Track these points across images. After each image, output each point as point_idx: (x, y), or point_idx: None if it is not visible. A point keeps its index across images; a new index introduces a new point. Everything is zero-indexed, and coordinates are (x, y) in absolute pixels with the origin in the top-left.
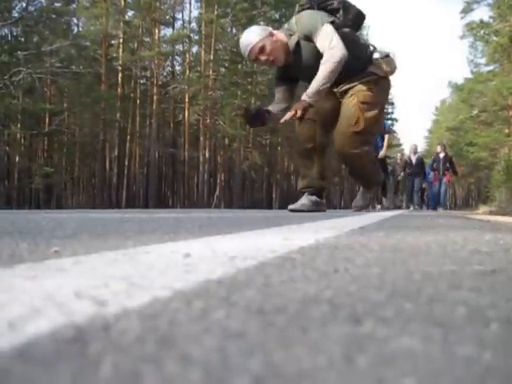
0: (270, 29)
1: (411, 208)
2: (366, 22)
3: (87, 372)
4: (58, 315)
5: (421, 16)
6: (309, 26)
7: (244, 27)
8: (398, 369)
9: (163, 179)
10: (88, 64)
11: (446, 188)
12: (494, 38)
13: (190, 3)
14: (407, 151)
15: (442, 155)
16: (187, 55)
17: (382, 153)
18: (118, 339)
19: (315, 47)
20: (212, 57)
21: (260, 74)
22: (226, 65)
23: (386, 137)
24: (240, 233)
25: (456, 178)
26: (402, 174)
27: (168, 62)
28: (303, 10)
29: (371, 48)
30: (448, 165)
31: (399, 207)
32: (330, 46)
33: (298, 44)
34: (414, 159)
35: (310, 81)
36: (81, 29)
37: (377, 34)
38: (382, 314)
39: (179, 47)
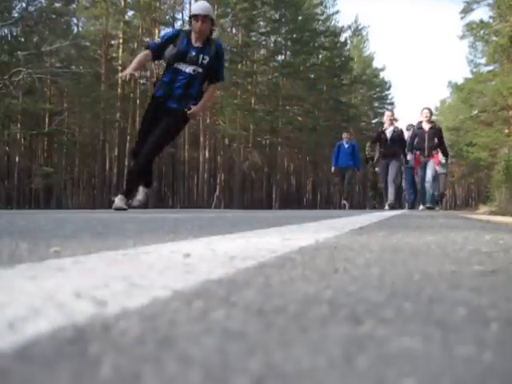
0: None
1: (386, 207)
2: (366, 23)
3: (87, 372)
4: (58, 315)
5: (421, 16)
6: None
7: (244, 27)
8: (397, 369)
9: (163, 179)
10: (88, 64)
11: (434, 174)
12: (494, 38)
13: (190, 3)
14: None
15: (427, 127)
16: None
17: (196, 107)
18: (118, 339)
19: None
20: None
21: (260, 74)
22: (226, 65)
23: (210, 90)
24: (240, 233)
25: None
26: (375, 155)
27: None
28: None
29: None
30: (436, 141)
31: (373, 206)
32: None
33: None
34: (388, 133)
35: None
36: (81, 29)
37: (377, 34)
38: (382, 314)
39: None
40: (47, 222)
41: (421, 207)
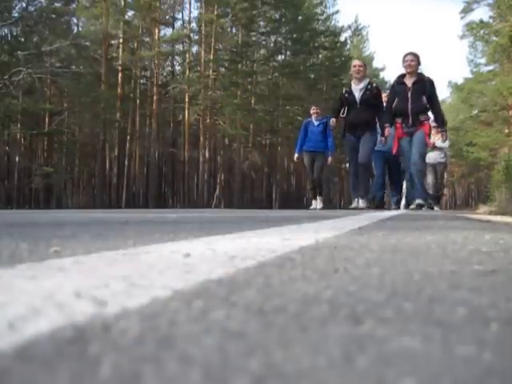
0: None
1: (358, 204)
2: (366, 23)
3: (87, 372)
4: (58, 315)
5: (421, 16)
6: None
7: (244, 27)
8: (397, 369)
9: (163, 179)
10: (88, 64)
11: (423, 151)
12: (494, 38)
13: (190, 3)
14: None
15: (411, 81)
16: (187, 55)
17: None
18: (117, 339)
19: None
20: (212, 57)
21: (260, 74)
22: (226, 65)
23: None
24: (240, 233)
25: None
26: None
27: (168, 62)
28: None
29: None
30: (425, 101)
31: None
32: None
33: None
34: (357, 91)
35: None
36: (81, 29)
37: (376, 34)
38: (382, 313)
39: (179, 47)
40: (47, 222)
41: (402, 202)
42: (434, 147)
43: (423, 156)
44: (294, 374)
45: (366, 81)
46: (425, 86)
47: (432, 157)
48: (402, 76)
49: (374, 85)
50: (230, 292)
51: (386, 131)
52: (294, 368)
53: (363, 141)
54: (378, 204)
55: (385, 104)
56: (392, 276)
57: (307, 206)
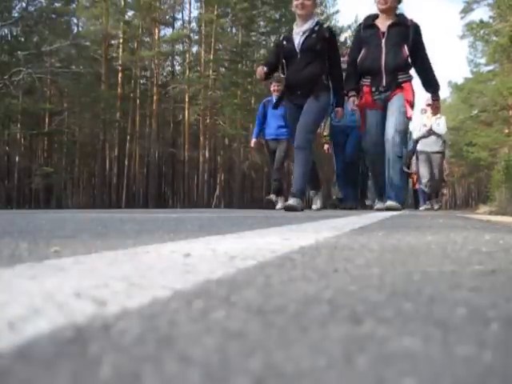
0: None
1: (317, 206)
2: None
3: (87, 372)
4: (57, 315)
5: (421, 16)
6: None
7: (244, 27)
8: (397, 369)
9: (163, 179)
10: (88, 64)
11: (402, 123)
12: (494, 38)
13: (190, 3)
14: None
15: (384, 24)
16: (187, 55)
17: None
18: (118, 339)
19: None
20: (212, 57)
21: None
22: (226, 65)
23: None
24: (240, 233)
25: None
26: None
27: (168, 62)
28: None
29: None
30: (406, 54)
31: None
32: None
33: None
34: (298, 36)
35: None
36: (81, 29)
37: None
38: (382, 314)
39: (179, 47)
40: (47, 222)
41: (378, 205)
42: (431, 132)
43: (402, 133)
44: (294, 373)
45: (314, 20)
46: (407, 33)
47: (427, 143)
48: (373, 17)
49: (325, 26)
50: (230, 292)
51: (351, 101)
52: (294, 368)
53: (304, 110)
54: (338, 204)
55: (345, 60)
56: (392, 276)
57: (309, 207)
